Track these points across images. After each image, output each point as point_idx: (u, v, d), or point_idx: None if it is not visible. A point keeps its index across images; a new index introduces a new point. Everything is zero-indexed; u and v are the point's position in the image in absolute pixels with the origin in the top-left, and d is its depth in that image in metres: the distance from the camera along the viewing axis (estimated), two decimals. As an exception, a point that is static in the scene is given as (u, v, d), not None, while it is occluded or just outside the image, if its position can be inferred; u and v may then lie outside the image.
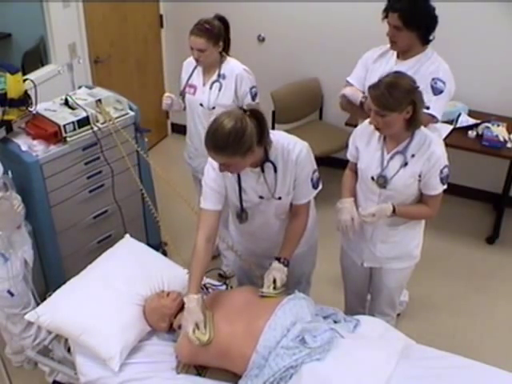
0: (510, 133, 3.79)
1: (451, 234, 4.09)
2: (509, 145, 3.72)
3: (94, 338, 2.36)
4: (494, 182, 4.21)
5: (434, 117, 2.78)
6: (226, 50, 3.16)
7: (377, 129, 2.41)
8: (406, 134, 2.41)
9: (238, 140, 2.11)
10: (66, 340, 2.52)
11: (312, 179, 2.43)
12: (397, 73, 2.39)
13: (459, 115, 3.91)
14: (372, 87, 2.34)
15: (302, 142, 2.41)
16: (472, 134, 3.83)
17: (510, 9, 3.75)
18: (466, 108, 3.99)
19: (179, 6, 4.66)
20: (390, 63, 2.90)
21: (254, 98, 3.16)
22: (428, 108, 2.72)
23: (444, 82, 2.77)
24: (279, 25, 4.44)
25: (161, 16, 4.82)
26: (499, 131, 3.77)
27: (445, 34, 3.95)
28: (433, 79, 2.76)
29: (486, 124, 3.82)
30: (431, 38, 2.83)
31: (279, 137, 2.37)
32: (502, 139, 3.72)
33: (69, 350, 2.51)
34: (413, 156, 2.42)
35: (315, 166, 2.45)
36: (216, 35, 3.02)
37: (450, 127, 3.88)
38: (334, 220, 2.60)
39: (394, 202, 2.48)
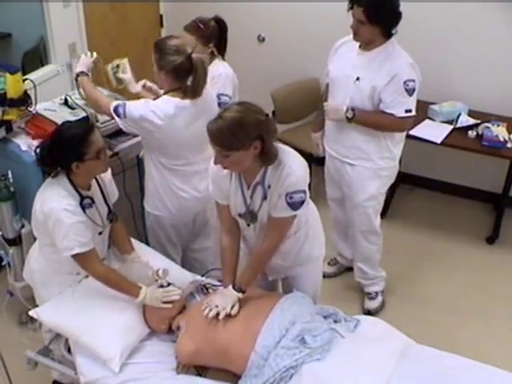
0: (510, 133, 3.78)
1: (451, 234, 4.08)
2: (509, 145, 3.72)
3: (94, 338, 2.35)
4: (494, 182, 4.20)
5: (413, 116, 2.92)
6: (220, 52, 3.14)
7: (224, 168, 2.19)
8: (259, 167, 2.20)
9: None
10: (66, 340, 2.51)
11: None
12: (240, 104, 2.14)
13: (459, 115, 3.90)
14: (212, 122, 2.08)
15: None
16: (472, 133, 3.83)
17: (510, 9, 3.75)
18: (466, 108, 3.99)
19: (179, 6, 4.65)
20: (353, 52, 2.95)
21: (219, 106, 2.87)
22: (410, 111, 2.86)
23: (413, 80, 2.84)
24: (279, 25, 4.43)
25: (161, 16, 4.82)
26: (499, 131, 3.76)
27: (445, 34, 3.98)
28: (404, 82, 2.81)
29: (486, 124, 3.81)
30: (393, 32, 2.85)
31: None
32: (501, 139, 3.72)
33: (69, 349, 2.51)
34: (269, 187, 2.21)
35: None
36: (207, 36, 3.03)
37: (450, 127, 3.88)
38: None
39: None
